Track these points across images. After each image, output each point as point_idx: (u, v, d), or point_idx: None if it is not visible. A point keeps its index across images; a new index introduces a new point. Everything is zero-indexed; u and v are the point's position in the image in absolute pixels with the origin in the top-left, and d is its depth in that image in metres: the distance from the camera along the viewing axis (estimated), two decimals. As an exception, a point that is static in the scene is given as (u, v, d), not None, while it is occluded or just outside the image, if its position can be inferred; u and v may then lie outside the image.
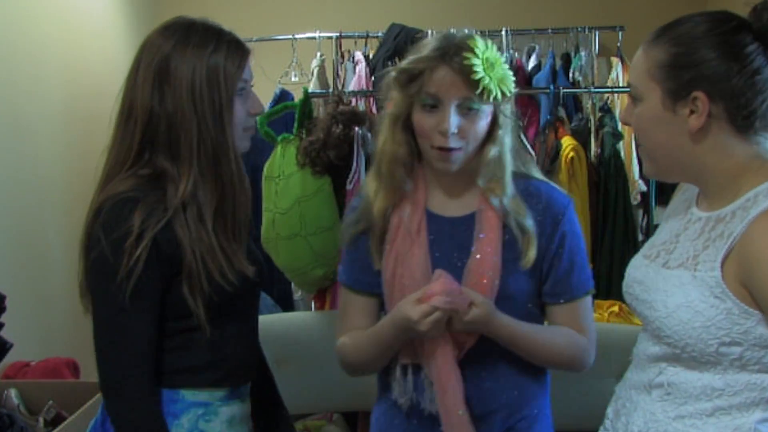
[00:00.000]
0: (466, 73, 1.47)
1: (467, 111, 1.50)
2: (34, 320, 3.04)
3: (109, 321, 1.43)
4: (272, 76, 3.89)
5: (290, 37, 4.03)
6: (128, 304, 1.40)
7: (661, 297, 1.32)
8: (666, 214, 1.50)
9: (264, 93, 3.78)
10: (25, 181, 3.12)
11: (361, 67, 3.84)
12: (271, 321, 2.56)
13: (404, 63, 1.53)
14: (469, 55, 1.47)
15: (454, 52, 1.48)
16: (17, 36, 3.11)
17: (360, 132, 2.62)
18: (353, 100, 3.14)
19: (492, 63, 1.49)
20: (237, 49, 1.49)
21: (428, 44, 1.52)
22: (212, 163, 1.47)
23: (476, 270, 1.54)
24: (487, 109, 1.52)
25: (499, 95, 1.50)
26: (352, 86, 3.75)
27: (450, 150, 1.51)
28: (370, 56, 3.90)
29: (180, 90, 1.45)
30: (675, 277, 1.31)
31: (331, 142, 2.56)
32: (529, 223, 1.55)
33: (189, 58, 1.45)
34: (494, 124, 1.55)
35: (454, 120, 1.49)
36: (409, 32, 3.69)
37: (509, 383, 1.59)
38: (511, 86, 1.53)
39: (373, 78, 3.67)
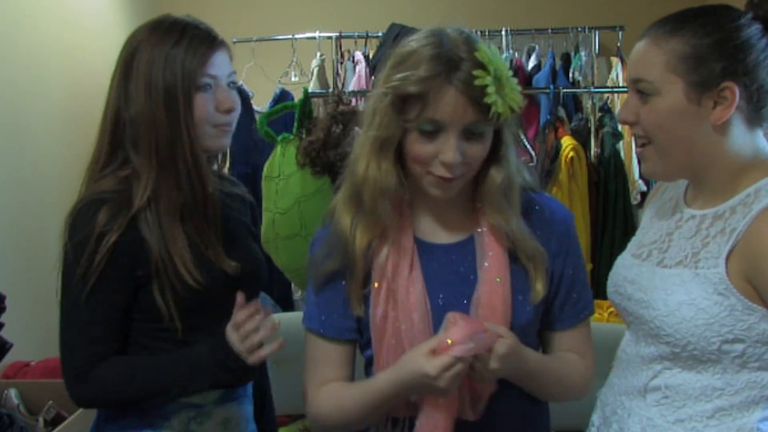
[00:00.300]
0: (474, 94, 1.25)
1: (472, 134, 1.28)
2: (34, 320, 3.03)
3: (66, 315, 1.46)
4: (272, 76, 3.90)
5: (290, 37, 4.03)
6: (83, 302, 1.42)
7: (661, 295, 1.30)
8: (649, 214, 1.48)
9: (264, 93, 3.81)
10: (25, 181, 3.12)
11: (361, 67, 3.85)
12: (270, 321, 2.55)
13: (397, 80, 1.28)
14: (479, 72, 1.25)
15: (456, 65, 1.25)
16: (17, 36, 3.11)
17: (360, 132, 2.62)
18: (353, 100, 3.15)
19: (500, 77, 1.26)
20: (201, 43, 1.44)
21: (422, 54, 1.28)
22: (170, 159, 1.43)
23: (486, 304, 1.33)
24: (491, 128, 1.31)
25: (509, 114, 1.29)
26: (352, 86, 3.76)
27: (452, 179, 1.31)
28: (370, 56, 3.91)
29: (139, 84, 1.43)
30: (674, 276, 1.30)
31: (331, 142, 2.56)
32: (536, 246, 1.36)
33: (149, 52, 1.43)
34: (497, 140, 1.34)
35: (458, 147, 1.27)
36: (409, 32, 3.68)
37: (509, 428, 1.41)
38: (519, 99, 1.30)
39: (372, 78, 3.68)
